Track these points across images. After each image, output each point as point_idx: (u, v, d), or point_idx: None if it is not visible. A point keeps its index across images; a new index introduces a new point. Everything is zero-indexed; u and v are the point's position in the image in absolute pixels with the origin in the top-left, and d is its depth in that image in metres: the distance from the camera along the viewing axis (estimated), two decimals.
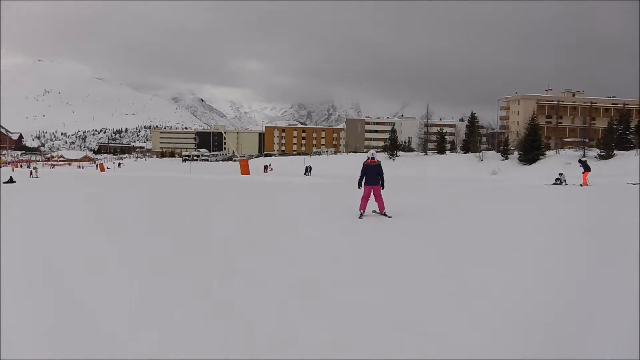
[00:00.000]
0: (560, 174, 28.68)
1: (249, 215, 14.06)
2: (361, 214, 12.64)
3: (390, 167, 67.21)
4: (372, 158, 12.93)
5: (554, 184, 27.95)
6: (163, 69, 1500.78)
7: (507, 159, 59.95)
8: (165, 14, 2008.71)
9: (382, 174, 12.82)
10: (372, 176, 12.68)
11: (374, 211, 13.03)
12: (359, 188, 13.00)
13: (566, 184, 27.30)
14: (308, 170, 58.25)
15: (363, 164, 12.92)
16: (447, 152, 75.31)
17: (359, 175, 12.92)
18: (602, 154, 52.17)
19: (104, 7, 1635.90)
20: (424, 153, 74.08)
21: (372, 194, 12.75)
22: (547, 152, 58.23)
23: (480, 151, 63.42)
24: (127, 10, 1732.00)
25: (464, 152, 70.20)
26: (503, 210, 15.42)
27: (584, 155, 53.34)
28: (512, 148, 62.11)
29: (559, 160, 54.73)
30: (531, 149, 56.47)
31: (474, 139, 68.50)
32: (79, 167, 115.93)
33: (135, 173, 59.65)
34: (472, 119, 75.42)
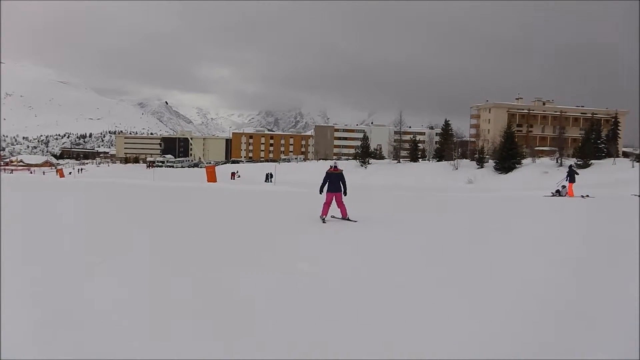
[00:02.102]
0: (563, 187, 25.96)
1: (223, 238, 11.37)
2: (323, 219, 13.18)
3: (361, 175, 65.45)
4: (335, 167, 13.69)
5: (553, 194, 25.86)
6: (129, 74, 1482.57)
7: (482, 167, 58.57)
8: (131, 20, 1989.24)
9: (345, 181, 13.48)
10: (334, 184, 13.35)
11: (333, 216, 13.60)
12: (320, 194, 13.69)
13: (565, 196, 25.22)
14: (269, 177, 57.15)
15: (326, 172, 13.61)
16: (420, 160, 73.61)
17: (321, 182, 13.57)
18: (579, 163, 51.01)
19: (68, 11, 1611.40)
20: (396, 161, 72.35)
21: (334, 200, 13.34)
22: (523, 161, 56.89)
23: (455, 159, 61.83)
24: (92, 15, 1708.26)
25: (438, 160, 68.70)
26: (531, 231, 12.97)
27: (562, 165, 52.24)
28: (487, 156, 60.71)
29: (536, 169, 53.62)
30: (508, 158, 55.15)
31: (448, 147, 66.99)
32: (31, 172, 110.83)
33: (95, 179, 56.34)
34: (446, 126, 74.05)
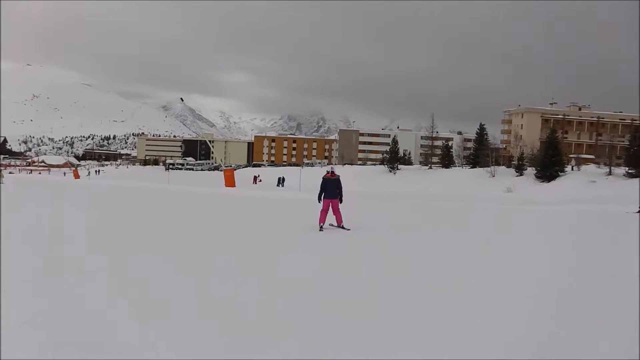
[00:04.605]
0: None
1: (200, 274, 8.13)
2: (321, 227, 12.85)
3: (391, 181, 62.00)
4: (332, 172, 13.42)
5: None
6: (151, 78, 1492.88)
7: (521, 175, 54.25)
8: (154, 27, 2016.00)
9: (341, 188, 13.26)
10: (331, 190, 13.08)
11: (331, 224, 13.24)
12: (319, 202, 13.25)
13: None
14: (281, 181, 56.25)
15: (322, 178, 13.33)
16: (452, 166, 69.41)
17: (319, 189, 13.26)
18: (631, 172, 46.53)
19: (93, 15, 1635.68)
20: (427, 167, 68.28)
21: (330, 207, 13.02)
22: (566, 169, 52.48)
23: (492, 166, 57.54)
24: (116, 20, 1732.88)
25: (471, 167, 64.47)
26: None
27: (612, 174, 47.93)
28: (526, 163, 56.39)
29: (581, 178, 49.29)
30: (550, 165, 50.80)
31: (483, 152, 62.69)
32: (39, 172, 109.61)
33: (109, 181, 54.18)
34: (481, 131, 69.54)
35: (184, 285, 6.91)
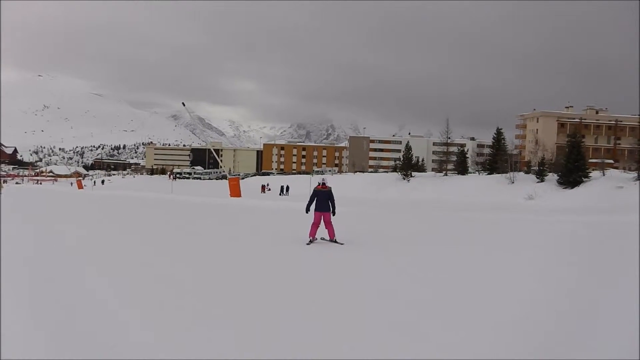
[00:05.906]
0: None
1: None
2: (310, 241, 12.66)
3: (405, 189, 59.70)
4: (323, 184, 13.05)
5: None
6: (161, 87, 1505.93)
7: (542, 181, 51.46)
8: (162, 35, 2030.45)
9: (333, 200, 12.91)
10: (322, 202, 12.71)
11: (323, 238, 12.89)
12: (307, 213, 13.10)
13: None
14: (284, 190, 54.93)
15: (313, 190, 13.04)
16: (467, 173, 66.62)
17: (308, 200, 13.09)
18: None
19: (103, 25, 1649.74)
20: (442, 173, 65.65)
21: (322, 220, 12.69)
22: (591, 174, 49.50)
23: (511, 172, 54.81)
24: (125, 29, 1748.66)
25: (488, 173, 61.76)
26: None
27: None
28: (546, 169, 53.54)
29: (607, 184, 46.49)
30: (574, 170, 47.97)
31: (501, 158, 59.96)
32: (40, 183, 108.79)
33: (110, 191, 52.57)
34: (498, 135, 66.70)
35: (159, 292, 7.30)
